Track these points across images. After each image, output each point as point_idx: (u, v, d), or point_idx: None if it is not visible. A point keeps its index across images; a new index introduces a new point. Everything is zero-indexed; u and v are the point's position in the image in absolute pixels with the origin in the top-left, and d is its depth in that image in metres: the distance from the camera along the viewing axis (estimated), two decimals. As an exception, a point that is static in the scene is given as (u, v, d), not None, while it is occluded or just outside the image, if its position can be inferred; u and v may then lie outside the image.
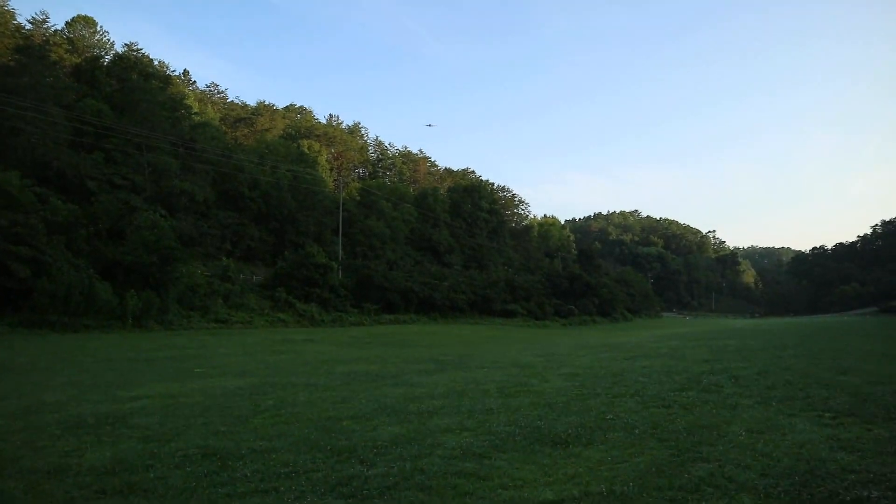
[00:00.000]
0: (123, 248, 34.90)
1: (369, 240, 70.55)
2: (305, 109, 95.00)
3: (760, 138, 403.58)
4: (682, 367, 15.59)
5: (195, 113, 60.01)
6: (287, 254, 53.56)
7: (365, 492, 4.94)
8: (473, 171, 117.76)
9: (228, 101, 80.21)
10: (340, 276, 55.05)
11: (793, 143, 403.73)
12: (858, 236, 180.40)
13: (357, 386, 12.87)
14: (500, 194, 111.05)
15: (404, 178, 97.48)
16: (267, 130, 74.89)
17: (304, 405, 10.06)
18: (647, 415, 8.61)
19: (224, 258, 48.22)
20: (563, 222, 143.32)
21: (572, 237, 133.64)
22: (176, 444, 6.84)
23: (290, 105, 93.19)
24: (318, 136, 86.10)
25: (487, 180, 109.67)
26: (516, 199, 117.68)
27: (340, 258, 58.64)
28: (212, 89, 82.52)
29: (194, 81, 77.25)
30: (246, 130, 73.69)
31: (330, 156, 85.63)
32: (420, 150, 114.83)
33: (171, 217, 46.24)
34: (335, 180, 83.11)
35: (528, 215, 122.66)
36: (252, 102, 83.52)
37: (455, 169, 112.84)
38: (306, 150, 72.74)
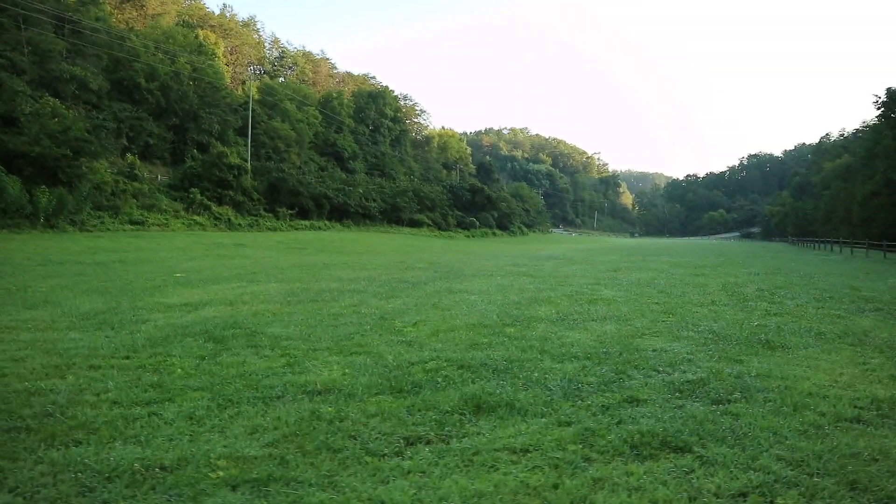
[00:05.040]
0: (24, 139, 30.64)
1: (274, 142, 66.83)
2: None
3: (643, 62, 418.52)
4: (693, 281, 15.83)
5: (79, -15, 52.31)
6: (196, 153, 49.63)
7: (720, 396, 4.67)
8: (374, 77, 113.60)
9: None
10: (251, 179, 52.08)
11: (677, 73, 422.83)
12: (728, 167, 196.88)
13: (415, 292, 11.97)
14: (402, 102, 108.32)
15: (306, 79, 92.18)
16: (159, 15, 67.15)
17: (413, 313, 9.26)
18: (783, 321, 8.70)
19: (129, 155, 43.90)
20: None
21: (469, 150, 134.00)
22: (425, 354, 6.09)
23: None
24: (212, 26, 78.64)
25: (388, 87, 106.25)
26: (417, 109, 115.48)
27: (250, 160, 55.29)
28: (86, -40, 71.87)
29: (66, -51, 66.85)
30: (134, 13, 65.50)
31: (225, 50, 78.83)
32: (321, 51, 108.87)
33: (60, 106, 41.05)
34: (232, 75, 77.12)
35: (427, 125, 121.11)
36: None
37: (356, 73, 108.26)
38: (204, 42, 66.35)
